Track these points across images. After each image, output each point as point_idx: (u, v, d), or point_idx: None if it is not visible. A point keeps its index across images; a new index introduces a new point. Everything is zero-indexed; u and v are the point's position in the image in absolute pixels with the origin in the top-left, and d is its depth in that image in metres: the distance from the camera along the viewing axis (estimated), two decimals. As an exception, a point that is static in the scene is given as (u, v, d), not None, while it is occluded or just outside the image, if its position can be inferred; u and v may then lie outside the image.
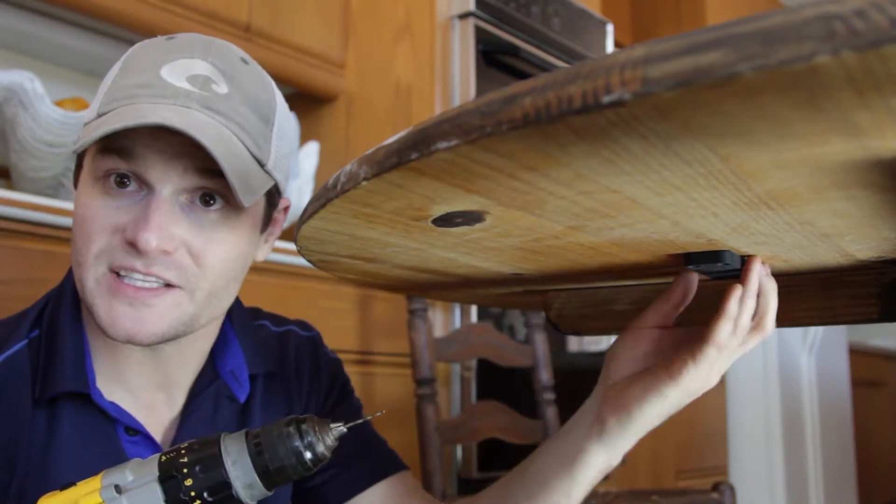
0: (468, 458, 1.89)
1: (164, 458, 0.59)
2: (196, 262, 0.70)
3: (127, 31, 1.77)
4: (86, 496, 0.58)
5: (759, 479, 2.99)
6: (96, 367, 0.75)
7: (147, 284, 0.69)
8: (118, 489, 0.58)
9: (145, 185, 0.69)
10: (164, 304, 0.69)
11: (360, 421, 0.65)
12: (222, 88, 0.70)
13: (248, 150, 0.70)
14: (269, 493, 0.59)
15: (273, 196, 0.77)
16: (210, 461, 0.58)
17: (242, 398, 0.80)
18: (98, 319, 0.69)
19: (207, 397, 0.79)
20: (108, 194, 0.69)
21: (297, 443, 0.59)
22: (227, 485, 0.58)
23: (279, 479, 0.59)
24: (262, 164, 0.72)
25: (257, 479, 0.58)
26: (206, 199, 0.70)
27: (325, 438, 0.60)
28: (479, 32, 2.08)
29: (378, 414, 0.65)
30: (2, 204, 1.21)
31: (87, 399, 0.73)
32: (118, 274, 0.68)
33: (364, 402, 1.83)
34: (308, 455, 0.59)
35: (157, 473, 0.58)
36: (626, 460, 2.37)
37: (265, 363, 0.84)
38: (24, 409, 0.72)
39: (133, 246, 0.67)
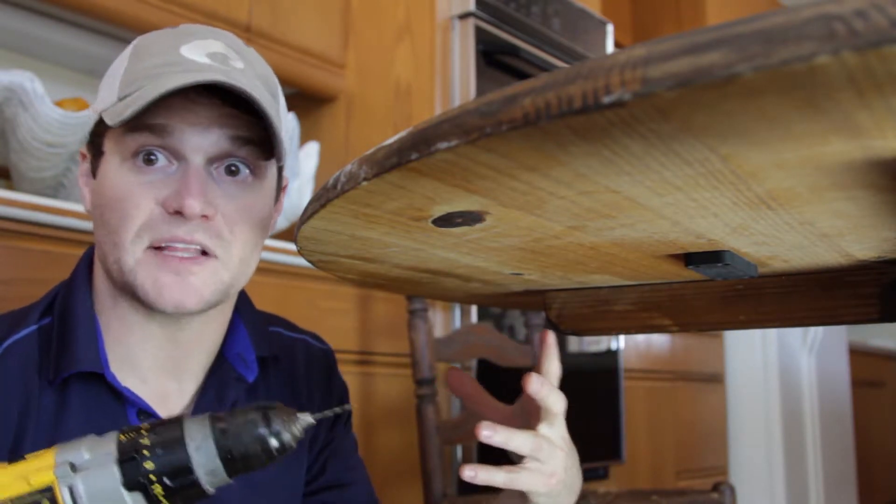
0: (468, 458, 1.89)
1: (123, 437, 0.57)
2: (230, 229, 0.73)
3: (127, 31, 1.77)
4: (37, 472, 0.55)
5: (759, 479, 2.99)
6: (109, 353, 0.76)
7: (188, 255, 0.71)
8: (73, 467, 0.56)
9: (175, 157, 0.72)
10: (205, 271, 0.71)
11: (329, 413, 0.63)
12: (238, 64, 0.74)
13: (271, 116, 0.73)
14: (230, 481, 0.58)
15: (280, 170, 0.81)
16: (172, 444, 0.56)
17: (251, 378, 0.81)
18: (143, 294, 0.71)
19: (215, 380, 0.79)
20: (139, 171, 0.71)
21: (264, 430, 0.57)
22: (188, 469, 0.56)
23: (242, 466, 0.57)
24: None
25: (220, 465, 0.56)
26: (231, 168, 0.73)
27: (293, 428, 0.58)
28: (479, 32, 2.07)
29: (342, 408, 0.65)
30: (2, 204, 1.21)
31: (99, 381, 0.74)
32: (159, 248, 0.70)
33: (364, 402, 1.83)
34: (274, 443, 0.57)
35: (115, 454, 0.56)
36: (626, 459, 2.37)
37: (272, 347, 0.85)
38: (31, 392, 0.72)
39: (178, 214, 0.69)
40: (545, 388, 0.70)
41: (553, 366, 0.74)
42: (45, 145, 1.39)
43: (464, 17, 2.08)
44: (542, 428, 0.70)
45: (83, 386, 0.73)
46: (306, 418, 0.59)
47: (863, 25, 0.26)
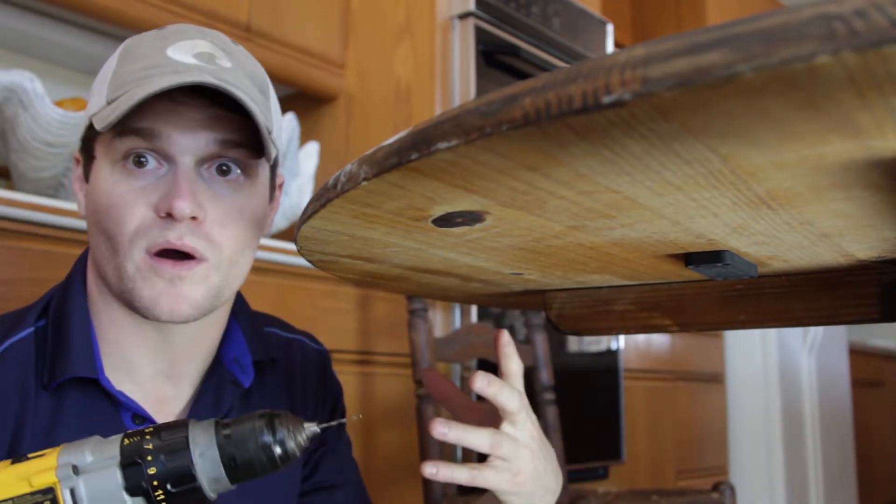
0: (468, 458, 1.89)
1: (126, 440, 0.57)
2: (219, 231, 0.72)
3: (127, 31, 1.77)
4: (39, 473, 0.55)
5: (759, 479, 2.99)
6: (104, 357, 0.75)
7: (178, 259, 0.71)
8: (75, 469, 0.55)
9: (165, 160, 0.72)
10: (195, 276, 0.71)
11: (335, 423, 0.65)
12: (226, 63, 0.73)
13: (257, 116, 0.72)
14: (232, 488, 0.58)
15: (274, 168, 0.81)
16: (176, 450, 0.56)
17: (247, 383, 0.81)
18: (140, 302, 0.71)
19: (212, 385, 0.79)
20: (130, 175, 0.71)
21: (268, 438, 0.57)
22: (191, 476, 0.56)
23: (245, 474, 0.57)
24: (268, 131, 0.74)
25: (223, 472, 0.56)
26: (222, 168, 0.73)
27: (298, 437, 0.58)
28: (479, 32, 2.07)
29: (355, 417, 0.67)
30: (2, 204, 1.21)
31: (94, 385, 0.74)
32: (154, 255, 0.70)
33: (364, 402, 1.83)
34: (278, 451, 0.57)
35: (118, 457, 0.56)
36: (626, 459, 2.37)
37: (269, 351, 0.85)
38: (27, 396, 0.72)
39: (168, 217, 0.69)
40: (493, 386, 0.68)
41: (512, 364, 0.72)
42: (45, 145, 1.38)
43: (464, 17, 2.07)
44: (505, 426, 0.69)
45: (78, 390, 0.73)
46: (311, 427, 0.59)
47: (863, 25, 0.26)
